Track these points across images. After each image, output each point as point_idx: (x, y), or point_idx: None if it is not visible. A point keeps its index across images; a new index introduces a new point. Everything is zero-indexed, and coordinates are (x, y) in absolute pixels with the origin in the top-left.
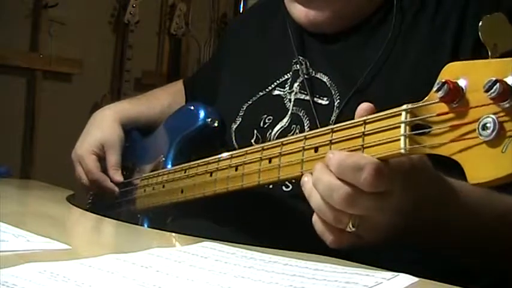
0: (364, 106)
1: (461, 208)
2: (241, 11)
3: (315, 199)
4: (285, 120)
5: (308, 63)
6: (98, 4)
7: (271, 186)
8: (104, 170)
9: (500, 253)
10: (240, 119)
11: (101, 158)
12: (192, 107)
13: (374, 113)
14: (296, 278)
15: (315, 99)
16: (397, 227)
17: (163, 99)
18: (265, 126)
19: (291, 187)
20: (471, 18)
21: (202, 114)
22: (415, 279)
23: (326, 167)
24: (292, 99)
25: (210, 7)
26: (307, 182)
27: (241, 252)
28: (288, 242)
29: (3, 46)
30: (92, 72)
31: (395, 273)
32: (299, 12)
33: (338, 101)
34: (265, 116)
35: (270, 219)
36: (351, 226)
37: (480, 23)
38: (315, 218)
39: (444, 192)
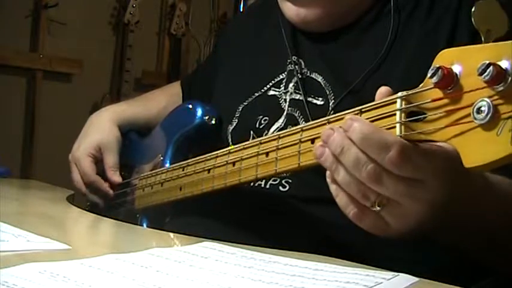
0: (383, 90)
1: (495, 201)
2: (241, 11)
3: (339, 171)
4: (280, 120)
5: (303, 63)
6: (98, 4)
7: (268, 186)
8: (102, 171)
9: None
10: (236, 120)
11: (98, 160)
12: (190, 105)
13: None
14: (296, 278)
15: (310, 99)
16: (427, 221)
17: (160, 101)
18: (261, 127)
19: (287, 187)
20: (465, 15)
21: (199, 112)
22: (415, 279)
23: (347, 138)
24: (288, 100)
25: (210, 7)
26: (323, 151)
27: (241, 252)
28: (286, 241)
29: (3, 46)
30: (92, 72)
31: (395, 273)
32: (290, 10)
33: (333, 101)
34: (261, 116)
35: (267, 220)
36: (376, 206)
37: (473, 9)
38: (336, 191)
39: (481, 187)
